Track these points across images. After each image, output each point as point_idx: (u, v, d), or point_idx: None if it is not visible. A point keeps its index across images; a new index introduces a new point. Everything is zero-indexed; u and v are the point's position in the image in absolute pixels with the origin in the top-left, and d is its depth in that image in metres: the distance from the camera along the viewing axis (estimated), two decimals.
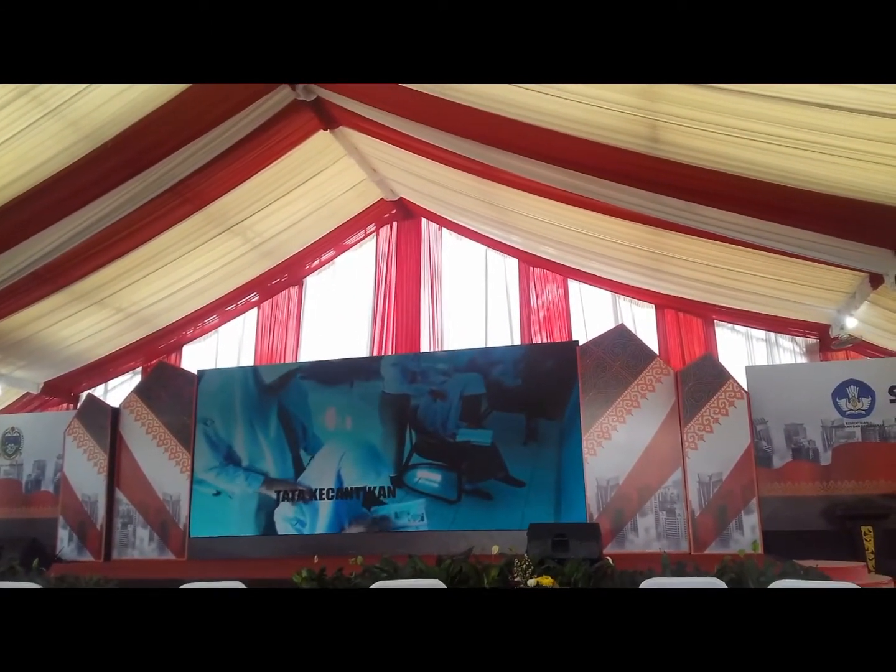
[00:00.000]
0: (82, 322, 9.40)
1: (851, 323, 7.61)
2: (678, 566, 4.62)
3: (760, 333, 9.14)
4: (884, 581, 5.70)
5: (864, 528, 6.75)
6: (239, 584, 3.77)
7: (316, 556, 5.65)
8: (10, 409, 10.92)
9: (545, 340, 9.48)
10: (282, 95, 6.99)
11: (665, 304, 9.28)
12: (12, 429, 10.29)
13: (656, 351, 8.54)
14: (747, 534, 7.15)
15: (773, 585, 3.26)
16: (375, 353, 9.96)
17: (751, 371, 7.82)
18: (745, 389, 7.55)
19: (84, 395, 10.59)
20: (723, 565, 4.54)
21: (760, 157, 4.94)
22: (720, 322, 9.24)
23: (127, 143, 6.48)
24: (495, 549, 5.26)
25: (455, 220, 9.99)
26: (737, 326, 9.21)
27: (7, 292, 7.60)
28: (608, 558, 5.05)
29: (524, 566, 4.71)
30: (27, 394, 10.79)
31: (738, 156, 5.03)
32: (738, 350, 9.10)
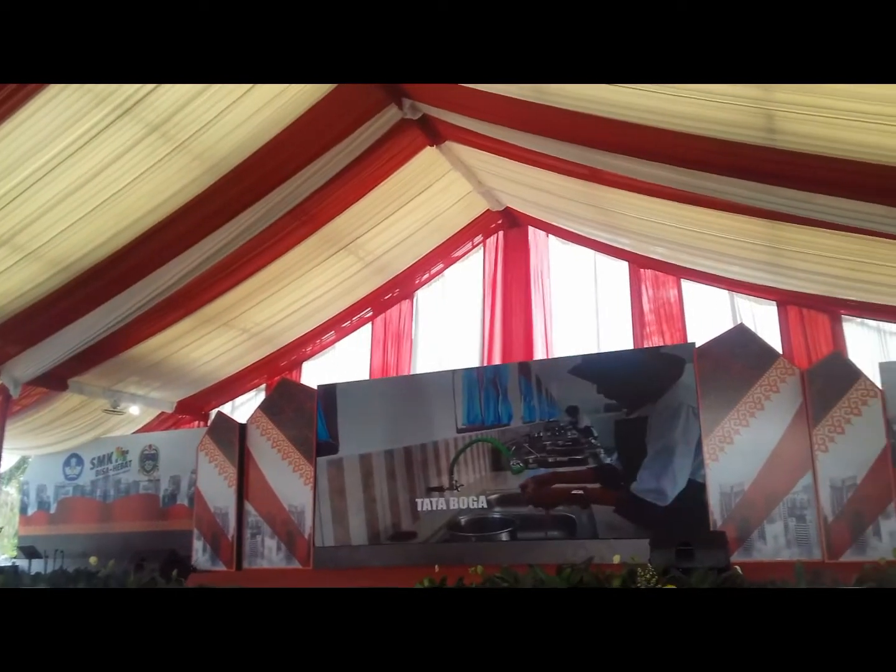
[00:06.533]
0: (210, 343, 9.94)
1: None
2: (814, 575, 4.41)
3: (894, 327, 8.57)
4: None
5: None
6: None
7: (437, 566, 5.73)
8: (147, 428, 11.66)
9: (659, 343, 9.25)
10: (389, 115, 7.19)
11: (787, 301, 8.83)
12: (150, 446, 11.00)
13: (779, 350, 8.18)
14: (886, 540, 6.71)
15: None
16: (487, 363, 10.02)
17: (885, 367, 7.35)
18: (879, 387, 7.11)
19: (213, 412, 11.17)
20: (863, 574, 4.29)
21: (888, 140, 4.67)
22: (848, 317, 8.71)
23: (247, 171, 6.86)
24: (617, 559, 5.18)
25: (562, 226, 9.93)
26: (867, 321, 8.67)
27: (144, 318, 8.16)
28: (737, 567, 4.88)
29: (648, 575, 4.60)
30: (162, 413, 11.50)
31: (863, 141, 4.76)
32: (870, 346, 8.53)
